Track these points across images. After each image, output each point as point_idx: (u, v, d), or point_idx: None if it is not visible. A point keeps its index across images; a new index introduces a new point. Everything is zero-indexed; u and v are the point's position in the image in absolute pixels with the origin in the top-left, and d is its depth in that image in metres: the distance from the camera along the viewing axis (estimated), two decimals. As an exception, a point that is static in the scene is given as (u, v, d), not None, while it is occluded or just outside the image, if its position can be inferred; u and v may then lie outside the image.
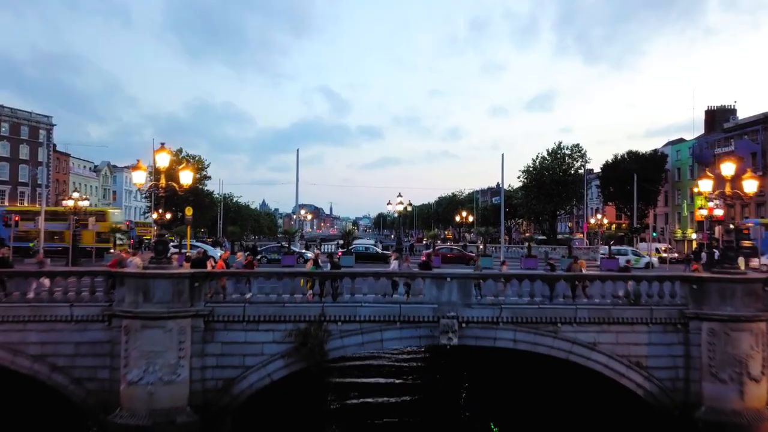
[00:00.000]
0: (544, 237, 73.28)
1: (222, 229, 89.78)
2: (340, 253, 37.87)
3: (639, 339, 15.58)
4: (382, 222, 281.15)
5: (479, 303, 15.71)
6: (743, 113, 66.82)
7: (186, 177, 15.18)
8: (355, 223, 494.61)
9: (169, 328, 14.38)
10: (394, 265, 21.15)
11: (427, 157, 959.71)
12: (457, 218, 78.16)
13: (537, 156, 66.73)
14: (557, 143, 66.48)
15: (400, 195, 37.28)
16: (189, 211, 30.73)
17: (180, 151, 70.25)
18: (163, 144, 14.94)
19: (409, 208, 36.37)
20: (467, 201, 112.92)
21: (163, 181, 15.09)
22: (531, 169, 66.45)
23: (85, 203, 40.11)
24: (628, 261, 40.29)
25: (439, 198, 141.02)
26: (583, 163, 65.14)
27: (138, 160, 16.02)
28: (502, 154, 45.97)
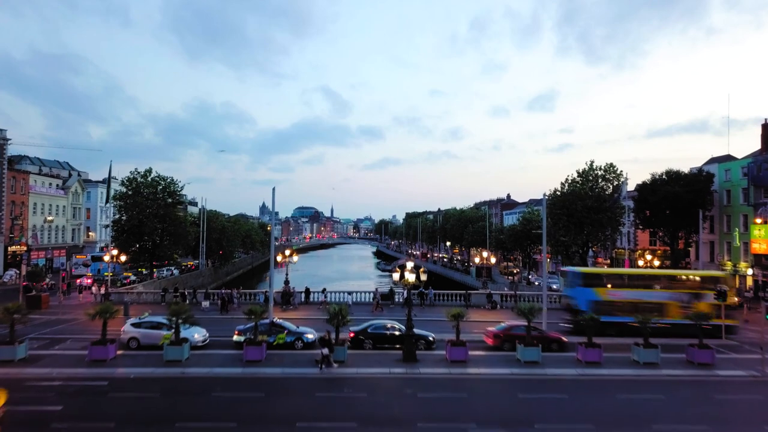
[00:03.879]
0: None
1: (204, 251, 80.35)
2: (351, 334, 28.07)
3: None
4: (384, 229, 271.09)
5: None
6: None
7: None
8: (356, 226, 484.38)
9: None
10: None
11: (428, 157, 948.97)
12: (477, 260, 68.01)
13: (566, 179, 56.71)
14: (589, 163, 56.48)
15: (409, 264, 27.02)
16: None
17: (149, 171, 60.52)
18: None
19: (423, 277, 25.86)
20: (477, 218, 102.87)
21: None
22: (559, 194, 56.47)
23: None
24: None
25: (445, 211, 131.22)
26: (622, 183, 54.94)
27: None
28: (544, 194, 36.27)
